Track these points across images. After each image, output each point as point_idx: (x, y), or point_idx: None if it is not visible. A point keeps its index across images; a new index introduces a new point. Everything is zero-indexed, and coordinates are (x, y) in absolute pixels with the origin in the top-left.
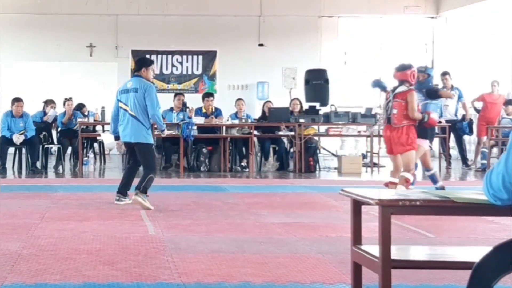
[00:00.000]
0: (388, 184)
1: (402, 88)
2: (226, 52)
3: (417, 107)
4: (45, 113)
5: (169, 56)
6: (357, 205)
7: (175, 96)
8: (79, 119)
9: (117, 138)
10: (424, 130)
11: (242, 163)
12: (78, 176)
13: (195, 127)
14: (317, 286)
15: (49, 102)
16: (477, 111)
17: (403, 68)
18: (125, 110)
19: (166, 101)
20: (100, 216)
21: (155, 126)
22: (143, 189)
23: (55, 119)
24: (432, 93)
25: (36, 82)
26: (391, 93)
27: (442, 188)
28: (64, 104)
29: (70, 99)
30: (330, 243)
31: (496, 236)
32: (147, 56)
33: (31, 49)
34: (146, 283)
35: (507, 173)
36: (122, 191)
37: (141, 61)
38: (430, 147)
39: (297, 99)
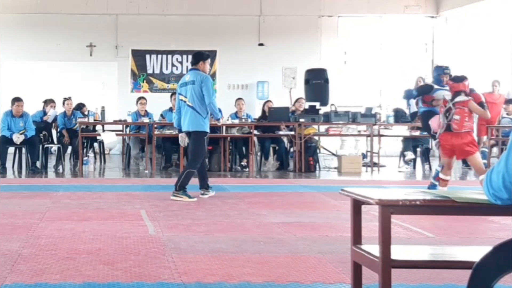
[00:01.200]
0: (440, 180)
1: (462, 98)
2: (226, 52)
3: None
4: (45, 113)
5: (169, 56)
6: (357, 205)
7: (171, 95)
8: (79, 119)
9: (180, 131)
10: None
11: (242, 163)
12: (78, 176)
13: None
14: (317, 286)
15: (48, 102)
16: None
17: (460, 80)
18: (184, 102)
19: (166, 101)
20: (100, 216)
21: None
22: (179, 187)
23: (55, 119)
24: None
25: (36, 82)
26: (450, 102)
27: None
28: (63, 104)
29: (70, 98)
30: (330, 243)
31: (496, 236)
32: (147, 55)
33: (31, 49)
34: (146, 283)
35: (507, 173)
36: (203, 185)
37: (199, 55)
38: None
39: (302, 98)
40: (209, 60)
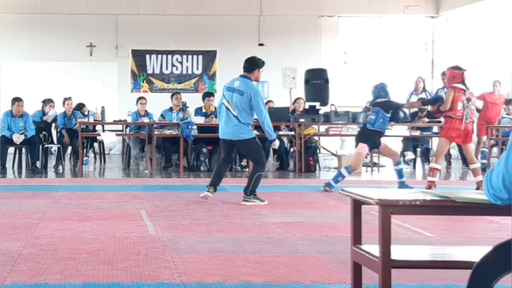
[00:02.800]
0: (434, 170)
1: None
2: (226, 52)
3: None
4: (43, 113)
5: (169, 56)
6: (357, 205)
7: (172, 95)
8: (79, 119)
9: None
10: (368, 134)
11: (242, 163)
12: (78, 176)
13: (195, 127)
14: (317, 286)
15: (47, 102)
16: (478, 110)
17: (461, 69)
18: (228, 108)
19: (166, 101)
20: (100, 216)
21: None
22: (250, 192)
23: (54, 119)
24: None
25: (36, 82)
26: (467, 91)
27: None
28: (63, 104)
29: (70, 98)
30: (330, 243)
31: (496, 236)
32: (147, 55)
33: (31, 49)
34: (146, 283)
35: (507, 173)
36: (212, 185)
37: (254, 62)
38: (368, 153)
39: (301, 98)
40: (263, 69)
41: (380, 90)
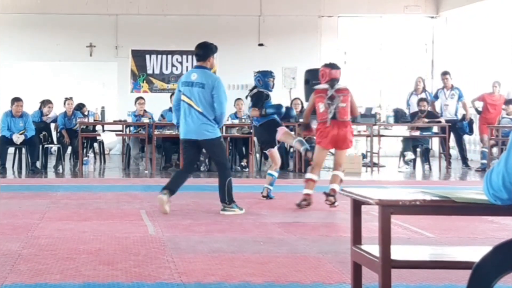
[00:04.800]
0: (308, 181)
1: (342, 85)
2: (226, 52)
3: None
4: (42, 113)
5: (169, 56)
6: (357, 205)
7: (171, 96)
8: (79, 119)
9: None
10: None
11: (242, 163)
12: (78, 176)
13: None
14: (317, 286)
15: (46, 103)
16: (478, 111)
17: (338, 67)
18: (190, 104)
19: (166, 101)
20: (100, 216)
21: None
22: (229, 201)
23: (54, 120)
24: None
25: (36, 82)
26: (331, 89)
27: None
28: (64, 104)
29: (71, 98)
30: (330, 243)
31: (496, 236)
32: (147, 56)
33: (31, 49)
34: (146, 283)
35: (507, 173)
36: (170, 188)
37: (208, 48)
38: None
39: (298, 99)
40: (217, 54)
41: (257, 78)
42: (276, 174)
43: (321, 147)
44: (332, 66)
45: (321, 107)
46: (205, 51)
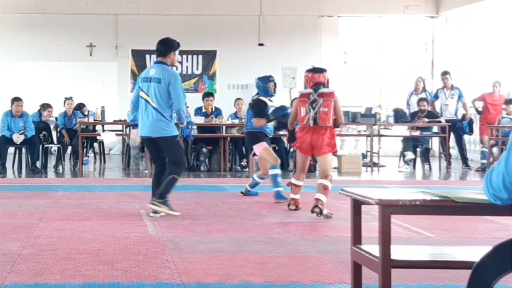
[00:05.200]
0: (292, 186)
1: (327, 89)
2: (226, 51)
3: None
4: (40, 115)
5: None
6: (357, 205)
7: None
8: (79, 119)
9: (135, 126)
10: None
11: (242, 163)
12: (78, 176)
13: (195, 127)
14: (317, 286)
15: (46, 107)
16: (478, 112)
17: (321, 71)
18: (147, 101)
19: None
20: (100, 216)
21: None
22: (160, 195)
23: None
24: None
25: (36, 82)
26: (314, 93)
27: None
28: (64, 104)
29: (71, 98)
30: (330, 243)
31: (496, 236)
32: (147, 55)
33: (31, 49)
34: (146, 283)
35: (507, 173)
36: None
37: (169, 44)
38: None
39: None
40: (178, 50)
41: (257, 85)
42: (258, 180)
43: (300, 154)
44: (314, 70)
45: (302, 111)
46: (166, 47)
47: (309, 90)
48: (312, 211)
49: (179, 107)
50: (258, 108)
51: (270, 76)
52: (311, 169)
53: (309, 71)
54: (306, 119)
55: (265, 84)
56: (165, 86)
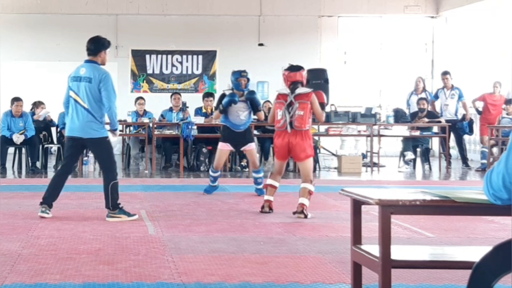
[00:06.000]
0: (267, 187)
1: (303, 90)
2: (226, 52)
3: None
4: (34, 114)
5: (169, 56)
6: (357, 205)
7: (171, 96)
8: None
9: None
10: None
11: (242, 163)
12: (78, 176)
13: (195, 127)
14: (317, 286)
15: (38, 104)
16: (479, 112)
17: (298, 69)
18: (76, 100)
19: (166, 101)
20: (100, 216)
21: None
22: (112, 206)
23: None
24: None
25: (36, 82)
26: (290, 95)
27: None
28: None
29: None
30: (330, 243)
31: (496, 236)
32: (147, 55)
33: (31, 49)
34: (146, 283)
35: (507, 173)
36: (48, 201)
37: (99, 43)
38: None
39: None
40: (109, 49)
41: (231, 79)
42: (255, 176)
43: (277, 158)
44: (291, 68)
45: (278, 114)
46: (96, 45)
47: (286, 91)
48: (295, 214)
49: (109, 106)
50: (218, 100)
51: (243, 71)
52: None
53: (286, 69)
54: (282, 123)
55: (236, 79)
56: (96, 85)
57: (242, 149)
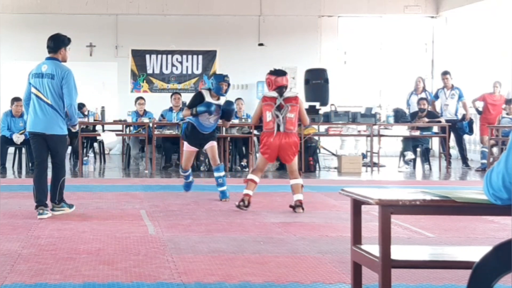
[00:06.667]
0: (248, 181)
1: (291, 93)
2: (226, 51)
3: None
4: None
5: (169, 56)
6: (357, 205)
7: (171, 95)
8: (79, 119)
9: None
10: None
11: (242, 163)
12: (78, 176)
13: None
14: (317, 286)
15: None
16: (479, 112)
17: (284, 73)
18: (39, 97)
19: (166, 101)
20: (100, 216)
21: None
22: (59, 201)
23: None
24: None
25: None
26: (279, 97)
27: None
28: None
29: None
30: (330, 243)
31: (496, 236)
32: (147, 55)
33: (31, 49)
34: (146, 283)
35: (507, 173)
36: (42, 202)
37: (59, 40)
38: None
39: None
40: (70, 45)
41: (211, 81)
42: (215, 174)
43: (264, 158)
44: (277, 73)
45: (268, 116)
46: (56, 43)
47: (274, 94)
48: (295, 211)
49: (69, 103)
50: (193, 98)
51: (226, 76)
52: (312, 169)
53: (271, 73)
54: (272, 125)
55: (219, 83)
56: (59, 82)
57: (204, 148)
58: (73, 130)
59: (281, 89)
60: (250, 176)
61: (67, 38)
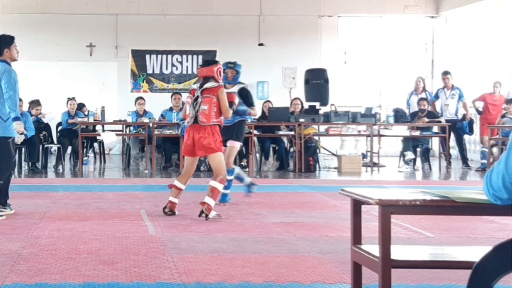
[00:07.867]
0: (172, 187)
1: (211, 84)
2: (226, 52)
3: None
4: (30, 114)
5: (169, 56)
6: (357, 205)
7: (172, 96)
8: (79, 119)
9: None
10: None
11: (242, 163)
12: (78, 176)
13: None
14: (317, 286)
15: (34, 105)
16: (479, 112)
17: (209, 63)
18: None
19: (166, 100)
20: (100, 216)
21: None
22: (3, 203)
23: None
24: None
25: (36, 82)
26: (198, 89)
27: (252, 183)
28: (67, 104)
29: (73, 98)
30: (330, 243)
31: (496, 236)
32: (147, 55)
33: (31, 49)
34: (146, 283)
35: (507, 173)
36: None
37: (1, 41)
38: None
39: (298, 98)
40: (15, 44)
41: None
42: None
43: (183, 154)
44: (203, 63)
45: (187, 109)
46: None
47: (196, 86)
48: (199, 215)
49: (9, 96)
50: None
51: (229, 63)
52: (312, 169)
53: (202, 65)
54: (188, 118)
55: (224, 71)
56: (0, 81)
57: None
58: (21, 132)
59: (205, 80)
60: (175, 182)
61: (10, 38)
